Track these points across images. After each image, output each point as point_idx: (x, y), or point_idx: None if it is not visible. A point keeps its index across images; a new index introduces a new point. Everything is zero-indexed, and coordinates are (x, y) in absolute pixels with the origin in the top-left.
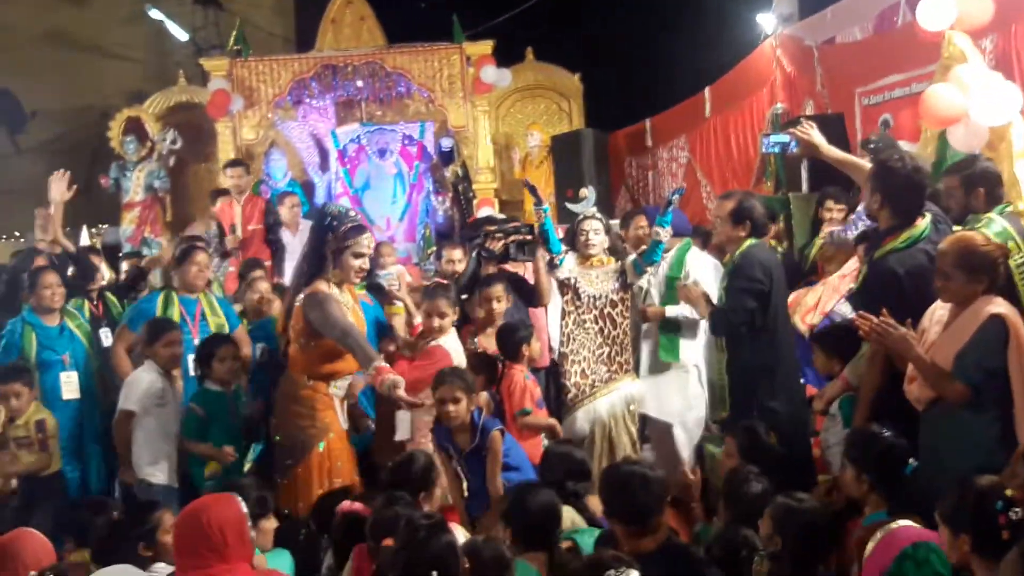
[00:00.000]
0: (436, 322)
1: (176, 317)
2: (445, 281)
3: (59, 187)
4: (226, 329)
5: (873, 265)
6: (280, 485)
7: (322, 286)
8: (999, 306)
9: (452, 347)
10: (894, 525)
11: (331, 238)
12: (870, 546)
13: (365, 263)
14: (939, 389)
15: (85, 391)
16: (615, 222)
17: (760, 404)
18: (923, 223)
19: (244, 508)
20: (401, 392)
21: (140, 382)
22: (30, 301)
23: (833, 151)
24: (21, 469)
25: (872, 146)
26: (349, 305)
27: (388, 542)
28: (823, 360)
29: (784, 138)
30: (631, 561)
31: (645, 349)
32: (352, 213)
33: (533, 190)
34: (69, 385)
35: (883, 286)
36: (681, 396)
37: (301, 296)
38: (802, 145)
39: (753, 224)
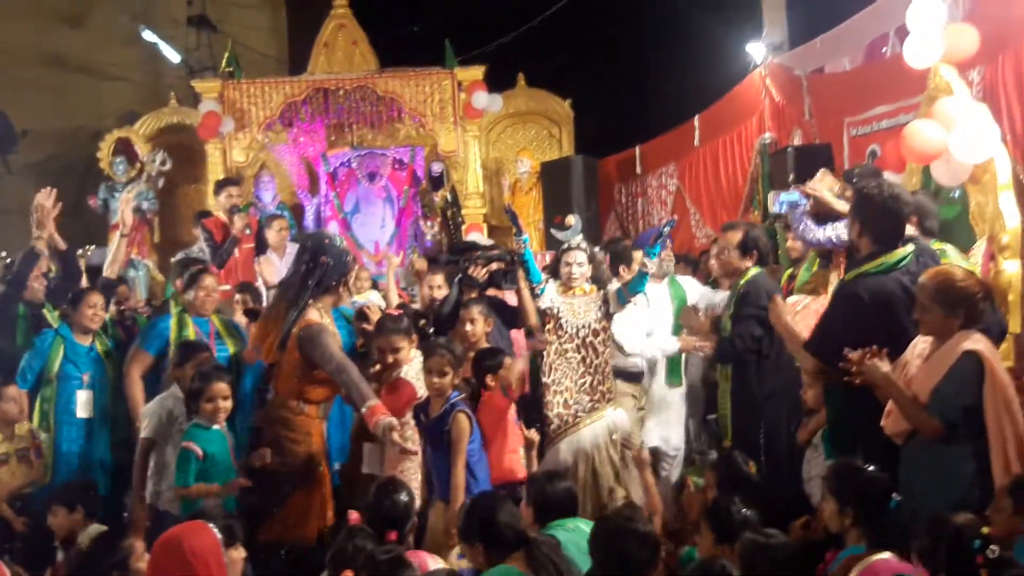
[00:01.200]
0: (389, 358)
1: (193, 334)
2: (395, 312)
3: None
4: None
5: (841, 286)
6: (274, 514)
7: (315, 316)
8: (976, 342)
9: (416, 376)
10: (873, 559)
11: (333, 268)
12: None
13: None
14: (914, 423)
15: (98, 414)
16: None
17: (765, 431)
18: (901, 252)
19: (218, 535)
20: (395, 436)
21: (156, 407)
22: (71, 317)
23: (843, 205)
24: (22, 483)
25: (855, 178)
26: (332, 331)
27: (347, 574)
28: (815, 391)
29: (794, 196)
30: None
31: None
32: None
33: (514, 219)
34: (84, 404)
35: (846, 308)
36: (679, 427)
37: (295, 328)
38: (813, 203)
39: (759, 254)
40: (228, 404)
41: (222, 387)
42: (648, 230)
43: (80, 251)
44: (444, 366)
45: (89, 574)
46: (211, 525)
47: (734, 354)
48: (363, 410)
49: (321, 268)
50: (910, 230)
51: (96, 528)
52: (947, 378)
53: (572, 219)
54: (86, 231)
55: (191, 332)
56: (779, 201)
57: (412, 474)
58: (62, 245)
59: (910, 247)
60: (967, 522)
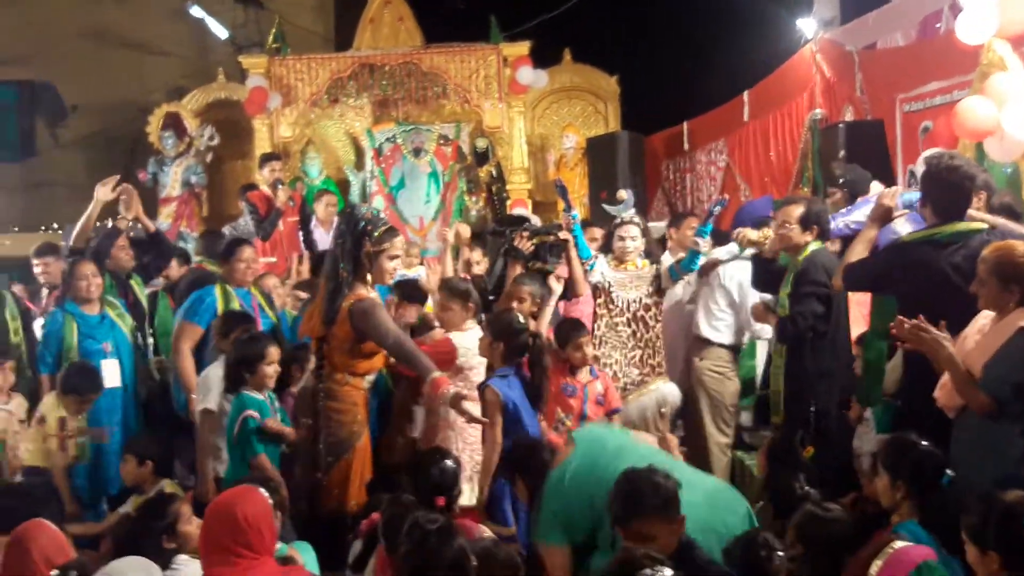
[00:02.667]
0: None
1: (238, 306)
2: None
3: (104, 190)
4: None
5: (895, 242)
6: (320, 482)
7: (364, 291)
8: None
9: (463, 343)
10: (896, 546)
11: (367, 242)
12: (873, 572)
13: (399, 264)
14: (966, 398)
15: (129, 380)
16: (659, 225)
17: (817, 410)
18: (961, 227)
19: (270, 500)
20: (467, 405)
21: (216, 379)
22: (68, 292)
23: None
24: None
25: (842, 180)
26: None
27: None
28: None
29: (915, 195)
30: (664, 559)
31: None
32: (383, 215)
33: (564, 193)
34: (111, 373)
35: (887, 255)
36: None
37: (345, 302)
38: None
39: (820, 229)
40: (276, 370)
41: (274, 351)
42: (752, 202)
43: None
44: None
45: (138, 537)
46: (262, 490)
47: (795, 333)
48: (428, 381)
49: (339, 237)
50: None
51: (166, 484)
52: (999, 354)
53: (624, 193)
54: None
55: (236, 304)
56: (900, 199)
57: (451, 443)
58: (151, 227)
59: (975, 224)
60: (1017, 500)
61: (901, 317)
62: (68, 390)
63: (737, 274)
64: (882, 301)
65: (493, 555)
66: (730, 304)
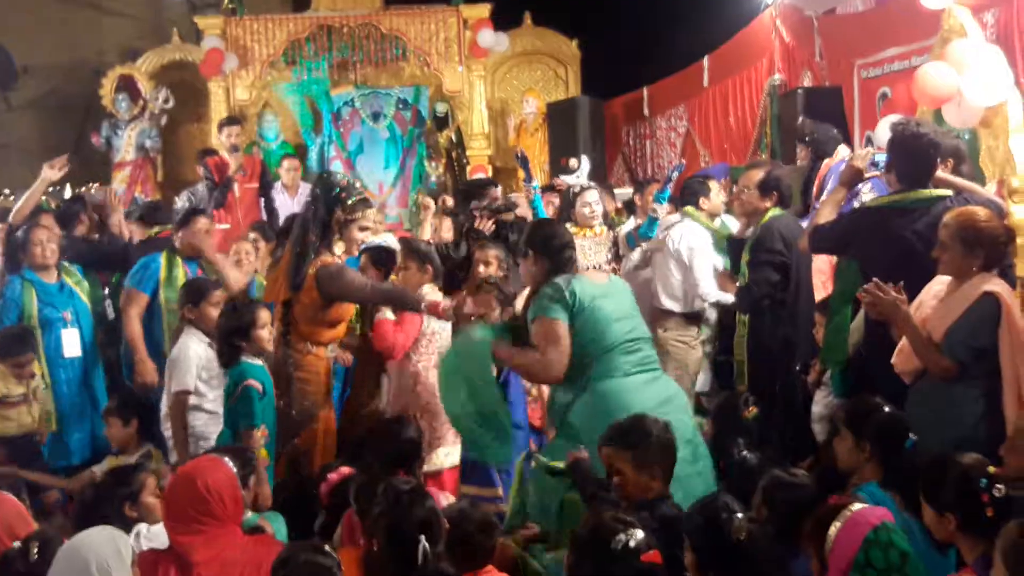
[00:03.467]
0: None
1: (181, 279)
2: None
3: (52, 171)
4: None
5: (859, 207)
6: (281, 451)
7: (328, 258)
8: (995, 284)
9: None
10: (854, 508)
11: (339, 209)
12: (832, 533)
13: (368, 236)
14: (926, 362)
15: (89, 349)
16: (624, 191)
17: (780, 379)
18: (924, 194)
19: (234, 470)
20: (469, 307)
21: (189, 355)
22: (23, 259)
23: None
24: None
25: (808, 137)
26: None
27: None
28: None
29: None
30: (634, 522)
31: None
32: (357, 185)
33: (525, 163)
34: (71, 342)
35: (851, 218)
36: None
37: (311, 268)
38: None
39: (780, 196)
40: (270, 331)
41: (264, 314)
42: (717, 165)
43: (82, 189)
44: (491, 302)
45: (101, 502)
46: (227, 460)
47: (751, 301)
48: (423, 308)
49: (312, 202)
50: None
51: (151, 450)
52: (963, 318)
53: (575, 162)
54: (88, 168)
55: (181, 273)
56: (872, 160)
57: (412, 410)
58: (127, 233)
59: (938, 192)
60: (973, 462)
61: (865, 286)
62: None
63: (686, 239)
64: (845, 265)
65: (468, 516)
66: (681, 270)
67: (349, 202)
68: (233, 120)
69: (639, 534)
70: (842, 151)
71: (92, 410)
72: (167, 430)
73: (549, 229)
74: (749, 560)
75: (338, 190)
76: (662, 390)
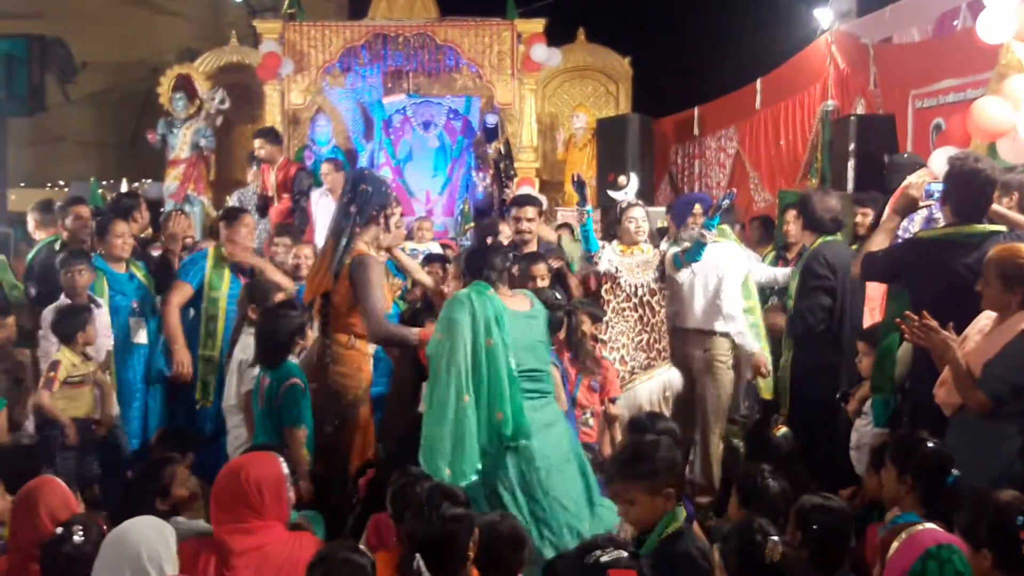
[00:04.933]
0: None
1: (227, 277)
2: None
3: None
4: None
5: (895, 244)
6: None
7: (364, 248)
8: None
9: None
10: (919, 527)
11: (372, 196)
12: (894, 546)
13: (401, 231)
14: (963, 396)
15: (153, 339)
16: (657, 210)
17: (823, 405)
18: (978, 229)
19: (285, 468)
20: None
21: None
22: (99, 249)
23: None
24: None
25: (897, 164)
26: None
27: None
28: (869, 359)
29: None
30: (621, 541)
31: None
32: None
33: (581, 188)
34: (138, 331)
35: (904, 247)
36: None
37: (348, 257)
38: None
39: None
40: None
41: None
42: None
43: (136, 184)
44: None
45: (134, 499)
46: (279, 457)
47: (805, 328)
48: (414, 340)
49: (361, 196)
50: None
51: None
52: (1000, 355)
53: (624, 180)
54: (143, 164)
55: (226, 272)
56: (927, 189)
57: None
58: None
59: (992, 227)
60: (1010, 499)
61: (908, 313)
62: (58, 335)
63: (715, 260)
64: (896, 295)
65: (497, 529)
66: (714, 288)
67: (392, 196)
68: (261, 133)
69: (618, 553)
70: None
71: (151, 399)
72: (235, 425)
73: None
74: None
75: (384, 185)
76: (548, 415)
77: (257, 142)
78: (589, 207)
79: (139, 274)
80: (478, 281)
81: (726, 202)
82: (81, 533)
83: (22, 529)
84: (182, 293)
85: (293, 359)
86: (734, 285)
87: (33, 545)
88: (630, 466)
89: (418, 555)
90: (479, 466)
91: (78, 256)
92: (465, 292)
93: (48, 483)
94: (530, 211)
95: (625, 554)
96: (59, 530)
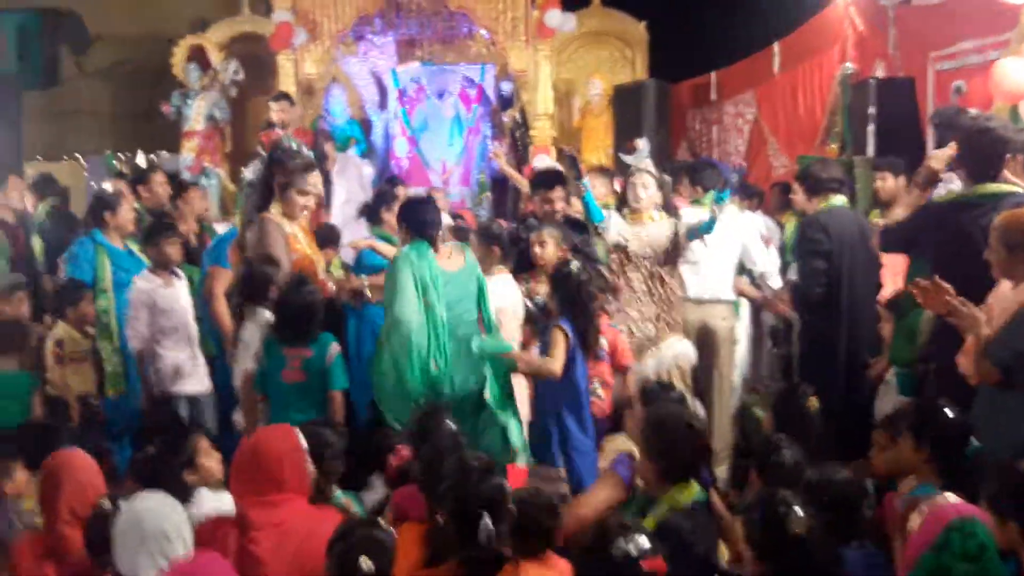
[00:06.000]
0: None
1: None
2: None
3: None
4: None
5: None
6: None
7: (274, 214)
8: None
9: (497, 291)
10: (940, 499)
11: (279, 173)
12: (915, 518)
13: (309, 202)
14: (975, 365)
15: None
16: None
17: (827, 372)
18: (991, 189)
19: (303, 441)
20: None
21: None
22: (106, 225)
23: None
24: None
25: (937, 121)
26: (300, 238)
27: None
28: (891, 327)
29: None
30: (639, 526)
31: None
32: (307, 152)
33: (574, 162)
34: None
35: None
36: None
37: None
38: None
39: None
40: None
41: None
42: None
43: (152, 156)
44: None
45: (159, 473)
46: (297, 431)
47: (801, 294)
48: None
49: (262, 165)
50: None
51: None
52: (1007, 324)
53: (640, 143)
54: (158, 136)
55: None
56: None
57: None
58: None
59: (1006, 187)
60: None
61: (919, 279)
62: (58, 305)
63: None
64: (916, 263)
65: (534, 500)
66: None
67: (289, 165)
68: (280, 96)
69: (642, 540)
70: None
71: None
72: None
73: (562, 268)
74: (806, 553)
75: (279, 152)
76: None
77: (276, 106)
78: (585, 179)
79: (136, 249)
80: (418, 240)
81: (736, 177)
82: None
83: (54, 501)
84: (224, 279)
85: None
86: (756, 243)
87: (70, 515)
88: (655, 446)
89: (486, 517)
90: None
91: (168, 227)
92: (407, 250)
93: (73, 455)
94: (559, 191)
95: (646, 540)
96: (104, 503)
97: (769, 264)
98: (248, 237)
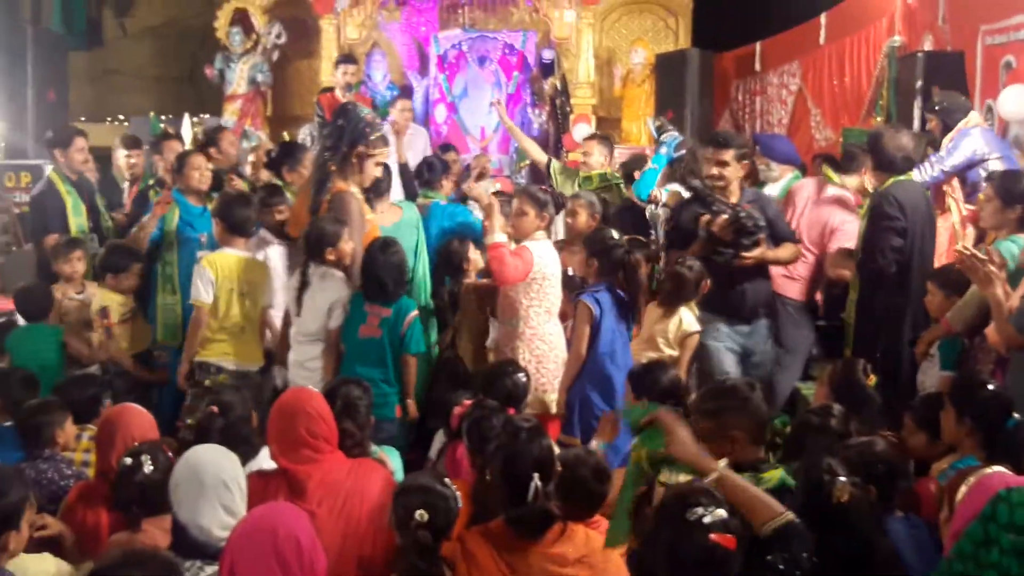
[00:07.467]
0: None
1: None
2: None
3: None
4: None
5: None
6: None
7: (343, 185)
8: None
9: (539, 252)
10: (988, 470)
11: (362, 143)
12: (963, 490)
13: (379, 173)
14: (999, 331)
15: None
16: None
17: (884, 346)
18: None
19: (321, 403)
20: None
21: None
22: (177, 183)
23: None
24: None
25: (938, 108)
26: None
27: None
28: (939, 300)
29: None
30: (720, 499)
31: None
32: (379, 122)
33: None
34: None
35: None
36: None
37: (327, 195)
38: None
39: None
40: None
41: None
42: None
43: (195, 118)
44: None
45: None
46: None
47: (876, 270)
48: None
49: (336, 132)
50: None
51: None
52: None
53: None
54: (201, 99)
55: None
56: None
57: (519, 354)
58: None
59: None
60: None
61: (963, 245)
62: (105, 269)
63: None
64: None
65: (584, 462)
66: None
67: (372, 136)
68: (349, 58)
69: (720, 513)
70: (973, 117)
71: None
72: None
73: (601, 234)
74: (850, 521)
75: (363, 124)
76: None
77: (349, 68)
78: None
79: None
80: None
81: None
82: (150, 462)
83: (108, 451)
84: None
85: None
86: None
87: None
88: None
89: (536, 477)
90: None
91: (278, 192)
92: None
93: (129, 409)
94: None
95: (726, 514)
96: (127, 460)
97: None
98: (333, 206)
